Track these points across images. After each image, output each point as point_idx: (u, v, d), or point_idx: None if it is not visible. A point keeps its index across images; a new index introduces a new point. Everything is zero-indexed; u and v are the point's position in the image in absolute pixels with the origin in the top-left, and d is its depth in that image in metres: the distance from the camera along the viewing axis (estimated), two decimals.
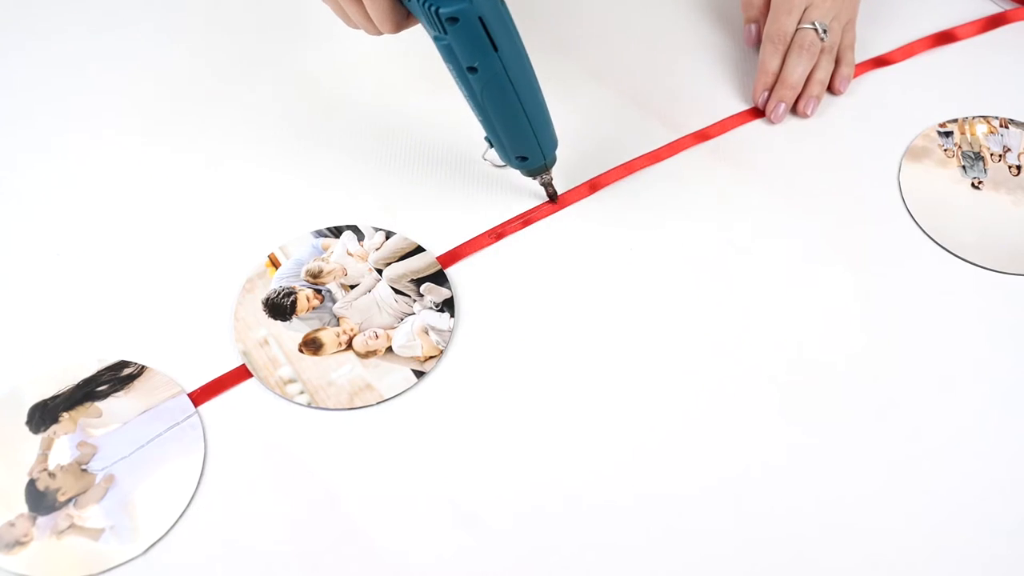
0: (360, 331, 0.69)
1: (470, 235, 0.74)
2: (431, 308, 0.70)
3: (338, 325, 0.69)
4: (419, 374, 0.67)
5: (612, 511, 0.62)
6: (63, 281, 0.71)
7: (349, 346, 0.68)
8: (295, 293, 0.71)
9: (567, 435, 0.65)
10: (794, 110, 0.81)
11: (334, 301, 0.70)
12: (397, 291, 0.71)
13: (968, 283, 0.72)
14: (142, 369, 0.67)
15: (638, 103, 0.82)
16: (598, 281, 0.72)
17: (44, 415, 0.65)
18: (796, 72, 0.80)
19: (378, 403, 0.66)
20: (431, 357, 0.68)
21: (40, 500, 0.62)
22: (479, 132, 0.80)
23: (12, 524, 0.61)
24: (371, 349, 0.68)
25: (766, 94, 0.81)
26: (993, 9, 0.88)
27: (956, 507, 0.63)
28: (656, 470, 0.64)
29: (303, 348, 0.68)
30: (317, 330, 0.69)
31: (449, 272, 0.72)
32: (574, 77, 0.82)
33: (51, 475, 0.63)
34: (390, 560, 0.60)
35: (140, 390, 0.66)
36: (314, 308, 0.70)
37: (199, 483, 0.63)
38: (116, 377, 0.67)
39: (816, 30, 0.80)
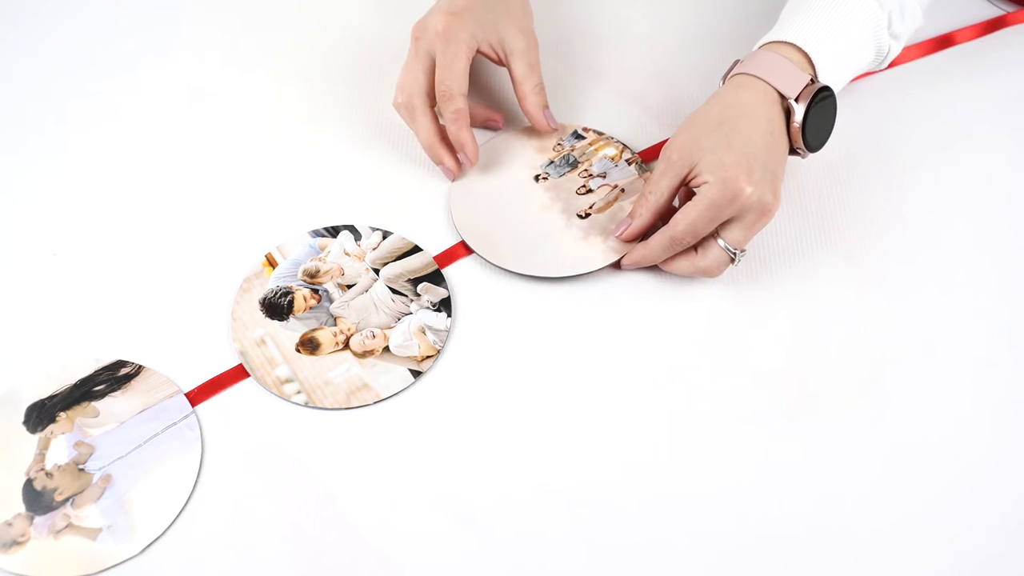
0: (357, 331, 0.69)
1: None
2: (428, 308, 0.70)
3: (335, 325, 0.69)
4: (416, 374, 0.67)
5: (609, 511, 0.62)
6: (60, 281, 0.71)
7: (346, 346, 0.68)
8: (292, 293, 0.71)
9: (564, 434, 0.65)
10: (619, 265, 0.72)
11: (331, 301, 0.70)
12: (394, 291, 0.71)
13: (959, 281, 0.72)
14: (139, 369, 0.67)
15: (635, 101, 0.82)
16: (593, 279, 0.72)
17: (41, 415, 0.65)
18: (679, 272, 0.70)
19: (375, 403, 0.66)
20: (428, 357, 0.68)
21: (37, 500, 0.62)
22: (476, 132, 0.80)
23: (9, 524, 0.61)
24: (368, 349, 0.68)
25: (632, 267, 0.71)
26: (993, 12, 0.88)
27: (953, 506, 0.63)
28: (653, 469, 0.64)
29: (300, 348, 0.68)
30: (314, 330, 0.69)
31: (446, 272, 0.72)
32: (573, 76, 0.82)
33: (48, 475, 0.63)
34: (387, 559, 0.60)
35: (137, 390, 0.66)
36: (311, 308, 0.70)
37: (196, 482, 0.63)
38: (113, 377, 0.67)
39: (734, 257, 0.68)
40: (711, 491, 0.63)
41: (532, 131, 0.79)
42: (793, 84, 0.69)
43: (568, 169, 0.76)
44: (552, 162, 0.77)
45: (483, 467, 0.64)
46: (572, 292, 0.71)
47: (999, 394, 0.67)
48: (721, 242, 0.68)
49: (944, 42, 0.85)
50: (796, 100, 0.69)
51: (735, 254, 0.68)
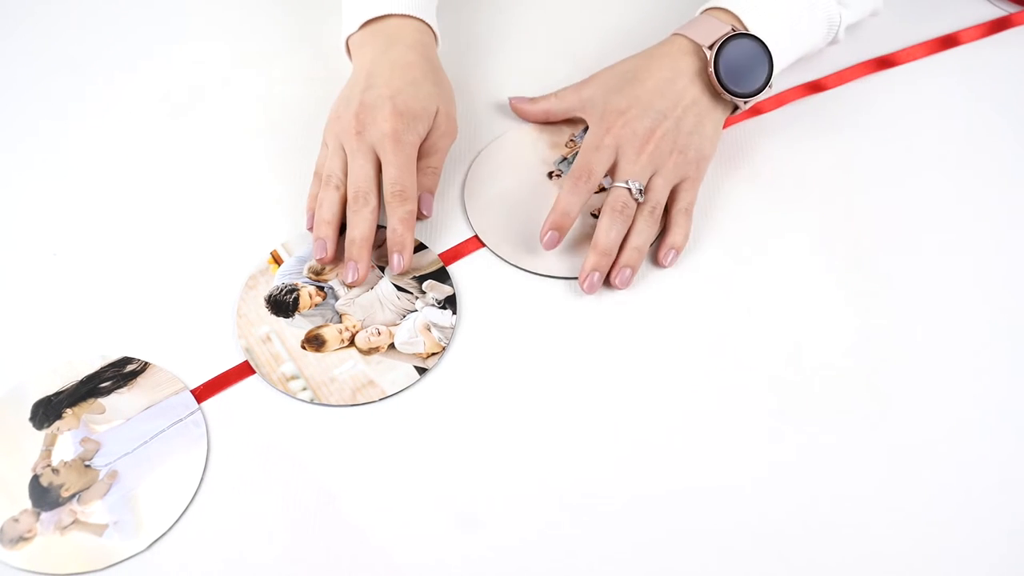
0: (362, 328, 0.69)
1: (473, 233, 0.74)
2: (433, 305, 0.70)
3: (340, 322, 0.69)
4: (421, 371, 0.67)
5: (613, 510, 0.62)
6: (66, 278, 0.72)
7: (351, 343, 0.69)
8: (297, 290, 0.71)
9: (570, 433, 0.65)
10: (607, 282, 0.71)
11: (336, 298, 0.71)
12: (399, 288, 0.71)
13: (961, 280, 0.72)
14: (145, 365, 0.67)
15: None
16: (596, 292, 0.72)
17: (48, 411, 0.65)
18: (609, 237, 0.70)
19: (380, 399, 0.66)
20: (433, 354, 0.68)
21: (44, 496, 0.62)
22: (479, 130, 0.80)
23: (16, 520, 0.61)
24: (373, 346, 0.68)
25: (553, 234, 0.70)
26: (997, 13, 0.88)
27: (957, 507, 0.63)
28: (657, 470, 0.64)
29: (306, 345, 0.68)
30: (320, 327, 0.69)
31: (451, 269, 0.72)
32: (570, 76, 0.82)
33: (55, 471, 0.63)
34: (391, 556, 0.60)
35: (143, 386, 0.66)
36: (316, 305, 0.70)
37: (202, 479, 0.63)
38: (119, 373, 0.67)
39: (630, 189, 0.70)
40: (714, 491, 0.63)
41: (544, 127, 0.79)
42: (710, 34, 0.73)
43: None
44: (565, 159, 0.77)
45: (488, 465, 0.64)
46: (575, 289, 0.71)
47: (1001, 394, 0.67)
48: (619, 182, 0.71)
49: (948, 42, 0.86)
50: (711, 48, 0.73)
51: (629, 186, 0.70)
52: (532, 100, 0.79)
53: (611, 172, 0.72)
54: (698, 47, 0.74)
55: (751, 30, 0.74)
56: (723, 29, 0.73)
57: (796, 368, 0.68)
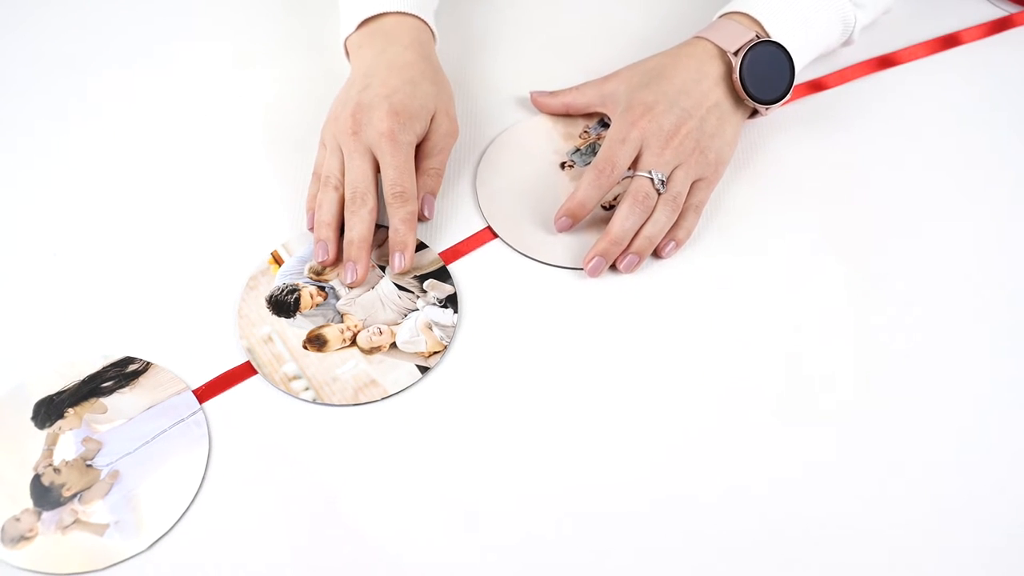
0: (364, 327, 0.69)
1: (473, 231, 0.74)
2: (434, 304, 0.70)
3: (342, 322, 0.69)
4: (423, 369, 0.67)
5: (615, 510, 0.62)
6: (67, 278, 0.72)
7: (353, 342, 0.69)
8: (299, 290, 0.71)
9: (572, 431, 0.65)
10: (612, 265, 0.72)
11: (337, 298, 0.71)
12: (400, 287, 0.71)
13: (967, 282, 0.72)
14: (147, 365, 0.67)
15: None
16: (600, 276, 0.72)
17: (49, 411, 0.65)
18: (624, 226, 0.70)
19: (383, 399, 0.66)
20: (435, 353, 0.68)
21: (45, 495, 0.62)
22: (482, 129, 0.80)
23: (17, 519, 0.61)
24: (375, 345, 0.68)
25: (566, 219, 0.72)
26: (997, 13, 0.88)
27: (956, 507, 0.63)
28: (660, 470, 0.64)
29: (307, 345, 0.68)
30: (321, 327, 0.69)
31: (452, 268, 0.72)
32: (570, 77, 0.82)
33: (56, 470, 0.63)
34: (393, 556, 0.60)
35: (145, 386, 0.66)
36: (318, 305, 0.70)
37: (203, 479, 0.63)
38: (121, 373, 0.67)
39: (652, 179, 0.71)
40: (715, 492, 0.63)
41: (559, 117, 0.80)
42: (735, 40, 0.74)
43: (593, 158, 0.77)
44: (578, 150, 0.78)
45: (490, 464, 0.64)
46: (578, 286, 0.71)
47: (1002, 393, 0.67)
48: (641, 172, 0.71)
49: (949, 41, 0.86)
50: (736, 54, 0.74)
51: (652, 176, 0.71)
52: (552, 93, 0.80)
53: (632, 165, 0.72)
54: (723, 52, 0.74)
55: (773, 37, 0.74)
56: (747, 35, 0.74)
57: (797, 368, 0.68)
